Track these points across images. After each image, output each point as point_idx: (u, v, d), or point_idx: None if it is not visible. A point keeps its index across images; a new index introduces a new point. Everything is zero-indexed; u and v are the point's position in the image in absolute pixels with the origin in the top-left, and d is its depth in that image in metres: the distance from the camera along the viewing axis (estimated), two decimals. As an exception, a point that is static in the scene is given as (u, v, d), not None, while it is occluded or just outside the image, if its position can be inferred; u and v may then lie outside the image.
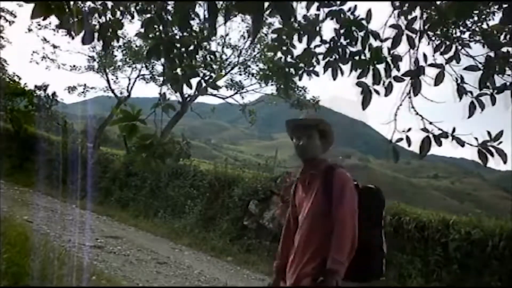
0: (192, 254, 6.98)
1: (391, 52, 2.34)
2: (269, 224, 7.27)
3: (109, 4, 2.31)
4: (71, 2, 2.04)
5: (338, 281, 1.96)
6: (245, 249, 7.26)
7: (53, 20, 2.00)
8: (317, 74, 2.64)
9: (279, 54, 2.69)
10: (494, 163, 2.03)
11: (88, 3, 2.28)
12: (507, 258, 4.87)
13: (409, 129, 2.21)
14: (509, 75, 2.16)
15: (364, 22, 2.36)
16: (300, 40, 2.52)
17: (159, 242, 7.49)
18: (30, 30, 12.99)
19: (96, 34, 2.27)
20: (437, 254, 5.36)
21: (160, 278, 5.39)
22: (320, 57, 2.53)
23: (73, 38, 2.19)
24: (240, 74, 13.54)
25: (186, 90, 8.87)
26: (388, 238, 5.88)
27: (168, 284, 5.26)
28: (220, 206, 8.19)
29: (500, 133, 1.98)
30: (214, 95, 14.20)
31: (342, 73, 2.52)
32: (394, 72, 2.37)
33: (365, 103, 2.32)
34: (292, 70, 2.71)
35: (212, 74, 2.68)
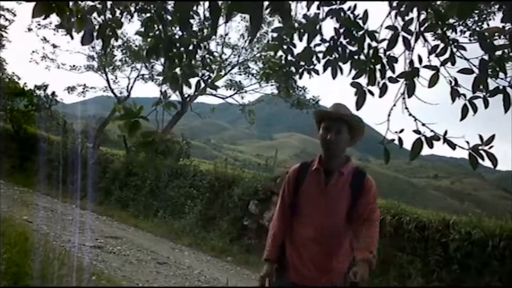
0: (192, 254, 6.98)
1: (387, 53, 2.34)
2: (269, 224, 7.24)
3: (109, 3, 2.30)
4: (71, 2, 2.04)
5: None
6: (245, 249, 7.25)
7: (53, 19, 2.00)
8: (317, 73, 2.64)
9: (279, 53, 2.69)
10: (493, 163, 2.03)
11: (88, 2, 2.27)
12: (508, 258, 4.86)
13: (402, 130, 2.21)
14: (502, 78, 2.16)
15: (360, 22, 2.36)
16: (300, 39, 2.52)
17: (159, 242, 7.48)
18: (30, 29, 13.00)
19: (95, 34, 2.26)
20: (437, 254, 5.36)
21: (160, 278, 5.39)
22: (320, 55, 2.53)
23: (72, 38, 2.18)
24: (240, 74, 13.56)
25: (186, 90, 8.87)
26: (388, 238, 5.90)
27: (168, 284, 5.26)
28: (220, 206, 8.19)
29: (492, 137, 1.98)
30: (214, 95, 14.24)
31: (341, 72, 2.52)
32: (389, 73, 2.37)
33: (359, 103, 2.33)
34: (292, 68, 2.71)
35: (211, 74, 2.67)
